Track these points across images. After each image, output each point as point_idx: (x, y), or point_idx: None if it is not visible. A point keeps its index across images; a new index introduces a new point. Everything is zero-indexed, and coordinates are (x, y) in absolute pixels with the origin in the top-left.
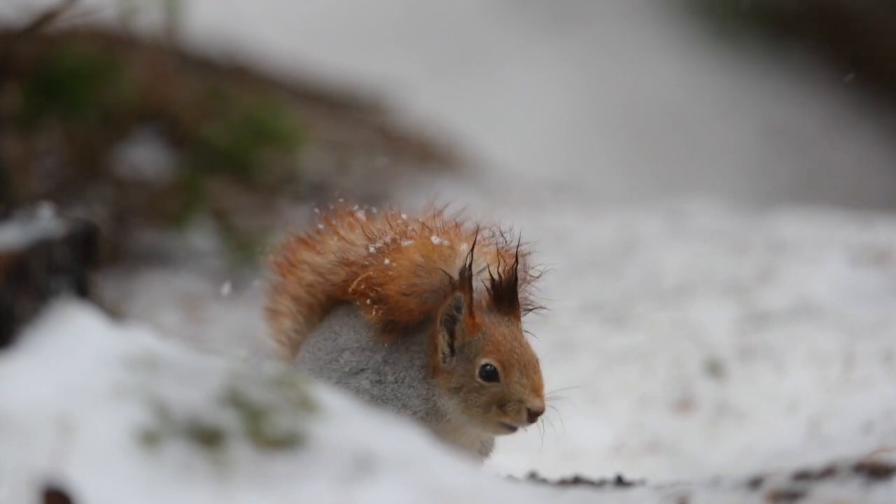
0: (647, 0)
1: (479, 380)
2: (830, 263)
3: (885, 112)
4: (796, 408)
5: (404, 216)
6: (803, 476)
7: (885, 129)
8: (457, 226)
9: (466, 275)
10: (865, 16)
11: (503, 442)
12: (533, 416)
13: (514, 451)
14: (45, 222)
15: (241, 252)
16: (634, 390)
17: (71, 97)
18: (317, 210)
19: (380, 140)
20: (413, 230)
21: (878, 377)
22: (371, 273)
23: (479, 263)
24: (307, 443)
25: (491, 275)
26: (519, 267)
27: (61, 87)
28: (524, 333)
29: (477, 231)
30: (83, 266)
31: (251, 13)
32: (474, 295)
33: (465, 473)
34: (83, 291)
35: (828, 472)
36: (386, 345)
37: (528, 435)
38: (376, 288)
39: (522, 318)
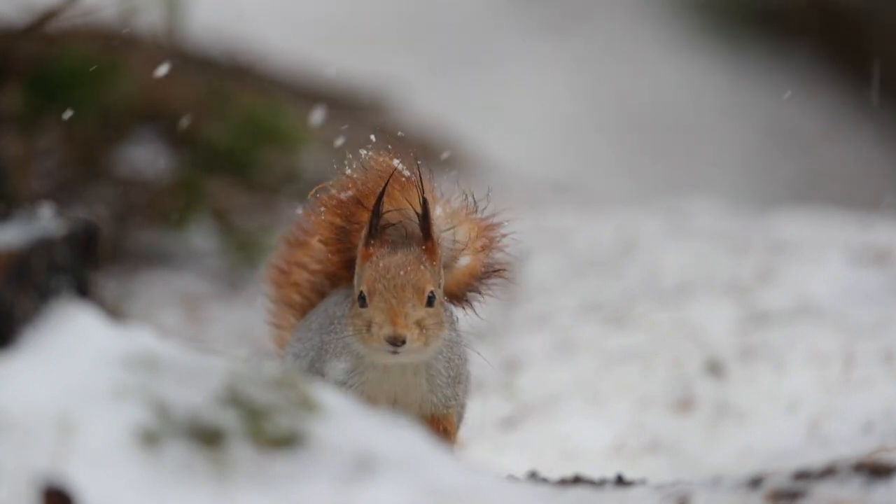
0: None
1: (358, 305)
2: (831, 263)
3: (885, 112)
4: (796, 408)
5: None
6: (803, 476)
7: (885, 129)
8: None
9: (376, 201)
10: (865, 16)
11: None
12: (391, 339)
13: (514, 450)
14: (46, 222)
15: (242, 252)
16: (634, 390)
17: (71, 97)
18: (300, 210)
19: (380, 139)
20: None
21: (878, 377)
22: (335, 189)
23: (442, 216)
24: (307, 443)
25: (413, 207)
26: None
27: (61, 87)
28: (425, 263)
29: (393, 170)
30: (83, 266)
31: (251, 13)
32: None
33: (465, 473)
34: (83, 291)
35: (828, 472)
36: (348, 295)
37: (528, 434)
38: (339, 193)
39: (460, 263)
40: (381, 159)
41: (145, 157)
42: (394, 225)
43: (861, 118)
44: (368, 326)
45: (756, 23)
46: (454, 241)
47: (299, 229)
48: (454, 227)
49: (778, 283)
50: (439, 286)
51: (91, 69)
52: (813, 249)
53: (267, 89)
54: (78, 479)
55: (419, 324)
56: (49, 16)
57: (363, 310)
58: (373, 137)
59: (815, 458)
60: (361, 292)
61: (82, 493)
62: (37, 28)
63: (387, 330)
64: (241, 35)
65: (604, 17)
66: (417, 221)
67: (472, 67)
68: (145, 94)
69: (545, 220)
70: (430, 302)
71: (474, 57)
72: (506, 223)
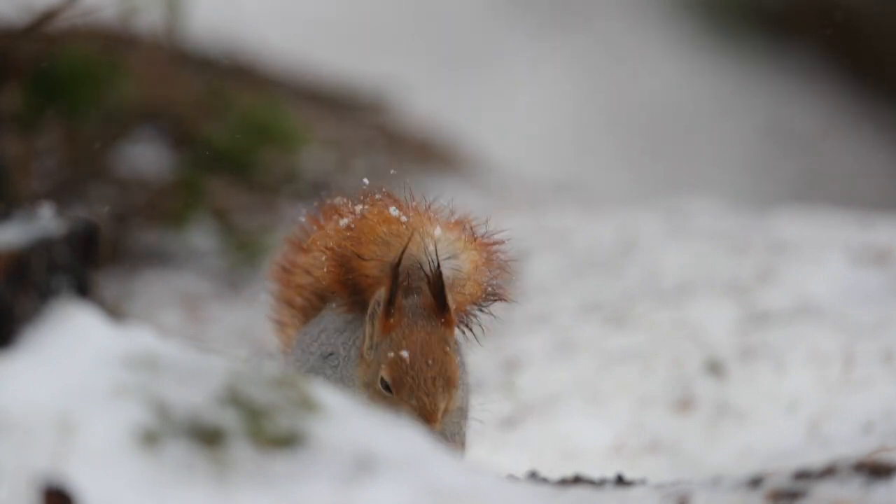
0: None
1: (380, 386)
2: (831, 263)
3: (885, 112)
4: (796, 408)
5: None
6: (803, 476)
7: (885, 129)
8: (429, 209)
9: (392, 270)
10: (866, 16)
11: (504, 441)
12: None
13: (514, 450)
14: (46, 222)
15: (242, 252)
16: (634, 390)
17: (71, 97)
18: (305, 212)
19: (380, 139)
20: (379, 198)
21: (878, 377)
22: (333, 235)
23: (448, 254)
24: (307, 442)
25: (425, 273)
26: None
27: (61, 87)
28: (449, 342)
29: (414, 226)
30: (83, 265)
31: (252, 13)
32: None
33: (465, 473)
34: (83, 291)
35: (828, 472)
36: (350, 323)
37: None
38: (336, 247)
39: (470, 322)
40: (380, 206)
41: (145, 157)
42: (406, 280)
43: (861, 118)
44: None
45: (756, 23)
46: (457, 270)
47: (303, 233)
48: (456, 252)
49: (778, 283)
50: (459, 357)
51: (91, 69)
52: (813, 249)
53: (267, 89)
54: (78, 478)
55: (445, 409)
56: (49, 16)
57: (387, 394)
58: (365, 181)
59: (815, 458)
60: (384, 379)
61: (82, 493)
62: (37, 28)
63: None
64: (241, 35)
65: (604, 16)
66: (429, 285)
67: (473, 67)
68: (145, 94)
69: (545, 220)
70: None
71: (474, 57)
72: (506, 241)
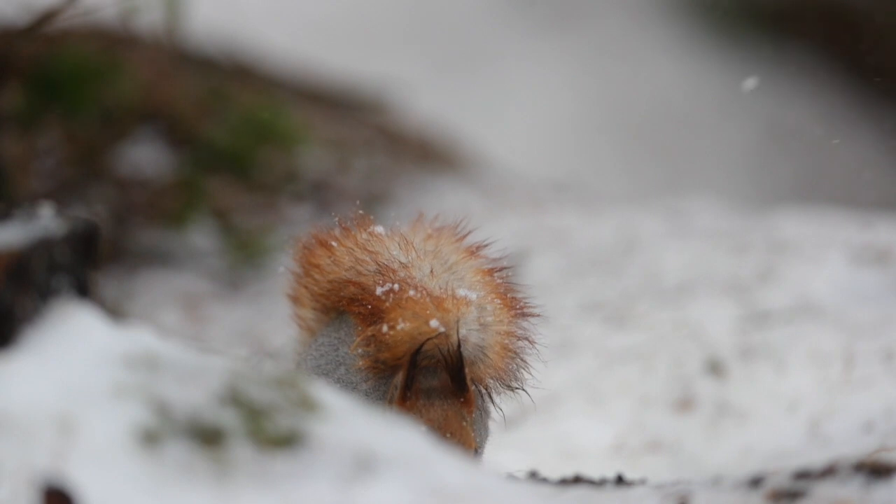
0: None
1: None
2: (831, 263)
3: (885, 112)
4: (797, 407)
5: (419, 242)
6: (804, 475)
7: (885, 129)
8: (467, 299)
9: (411, 357)
10: (866, 16)
11: (504, 441)
12: None
13: (514, 450)
14: (46, 221)
15: (242, 252)
16: (635, 390)
17: (71, 97)
18: (337, 218)
19: (380, 139)
20: (419, 294)
21: (879, 377)
22: (370, 332)
23: (471, 314)
24: (308, 442)
25: (441, 353)
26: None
27: (61, 87)
28: (466, 418)
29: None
30: (84, 265)
31: (252, 12)
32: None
33: (465, 472)
34: (84, 291)
35: (828, 472)
36: (370, 380)
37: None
38: (371, 348)
39: (489, 397)
40: (424, 292)
41: (145, 157)
42: (425, 363)
43: (861, 118)
44: None
45: (756, 23)
46: (481, 346)
47: (329, 234)
48: (481, 307)
49: (778, 283)
50: (479, 424)
51: (91, 69)
52: (813, 249)
53: (267, 89)
54: (78, 478)
55: None
56: (49, 16)
57: None
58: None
59: (816, 457)
60: None
61: (82, 493)
62: (37, 28)
63: None
64: (241, 35)
65: (604, 16)
66: (447, 368)
67: (473, 67)
68: (145, 94)
69: (545, 220)
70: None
71: (474, 57)
72: (528, 293)
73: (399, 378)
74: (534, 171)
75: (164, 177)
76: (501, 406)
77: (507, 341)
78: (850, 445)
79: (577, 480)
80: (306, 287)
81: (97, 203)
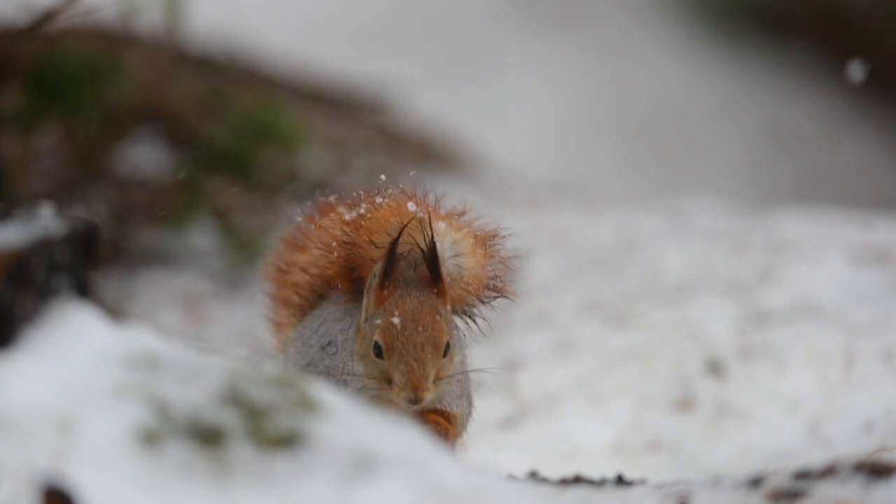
0: None
1: (373, 354)
2: (831, 263)
3: (885, 112)
4: (797, 407)
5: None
6: (804, 475)
7: (885, 129)
8: (436, 203)
9: (390, 244)
10: (866, 16)
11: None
12: (412, 401)
13: (514, 450)
14: (46, 221)
15: (242, 252)
16: (635, 390)
17: (71, 97)
18: (300, 211)
19: (380, 139)
20: (392, 192)
21: (879, 377)
22: (338, 228)
23: (452, 252)
24: (308, 442)
25: (420, 247)
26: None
27: (61, 87)
28: (440, 311)
29: (415, 207)
30: (84, 265)
31: (252, 12)
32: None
33: (465, 473)
34: (84, 291)
35: (828, 472)
36: (348, 312)
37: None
38: (349, 231)
39: (469, 300)
40: (389, 196)
41: (145, 157)
42: (404, 256)
43: (861, 118)
44: (388, 381)
45: (756, 23)
46: (456, 257)
47: (299, 233)
48: (455, 241)
49: (778, 283)
50: (453, 328)
51: (91, 69)
52: (813, 249)
53: (267, 89)
54: (78, 478)
55: (436, 376)
56: (49, 16)
57: (379, 360)
58: (383, 176)
59: (816, 457)
60: (377, 343)
61: (82, 493)
62: (37, 28)
63: (408, 394)
64: (241, 35)
65: (604, 16)
66: (424, 258)
67: (473, 67)
68: (145, 94)
69: (545, 220)
70: (446, 351)
71: (474, 57)
72: (505, 230)
73: (378, 267)
74: (534, 171)
75: (164, 177)
76: (487, 318)
77: (482, 248)
78: (850, 445)
79: (577, 480)
80: (285, 300)
81: (97, 203)
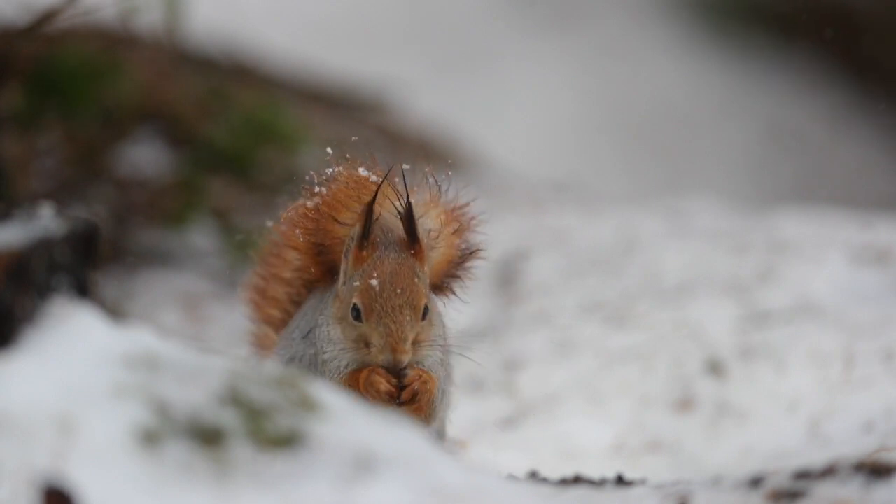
0: None
1: (351, 317)
2: (831, 263)
3: (885, 112)
4: (797, 407)
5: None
6: (804, 475)
7: (885, 129)
8: (390, 169)
9: (366, 206)
10: (866, 16)
11: (504, 441)
12: (390, 364)
13: (514, 450)
14: (46, 221)
15: (242, 252)
16: (635, 390)
17: (71, 97)
18: (270, 223)
19: (380, 139)
20: (343, 168)
21: (879, 377)
22: (305, 203)
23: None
24: (308, 442)
25: (397, 209)
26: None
27: (61, 87)
28: (418, 274)
29: (389, 169)
30: (84, 265)
31: (252, 12)
32: (382, 230)
33: (465, 473)
34: (84, 291)
35: (828, 472)
36: (325, 294)
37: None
38: (310, 214)
39: (442, 259)
40: (348, 169)
41: (145, 157)
42: (377, 220)
43: (861, 118)
44: (366, 343)
45: (756, 23)
46: (427, 231)
47: (272, 243)
48: (424, 214)
49: (778, 283)
50: (429, 290)
51: (91, 69)
52: (813, 249)
53: (267, 89)
54: (78, 478)
55: (415, 339)
56: (49, 16)
57: (357, 323)
58: (329, 149)
59: (816, 457)
60: (356, 305)
61: (82, 493)
62: (37, 28)
63: (387, 356)
64: (241, 35)
65: (604, 16)
66: (400, 222)
67: (473, 67)
68: (145, 94)
69: (545, 220)
70: (424, 314)
71: (474, 57)
72: (472, 202)
73: (356, 230)
74: (534, 171)
75: (163, 177)
76: (462, 288)
77: (447, 217)
78: (850, 445)
79: (577, 480)
80: (267, 315)
81: (97, 203)
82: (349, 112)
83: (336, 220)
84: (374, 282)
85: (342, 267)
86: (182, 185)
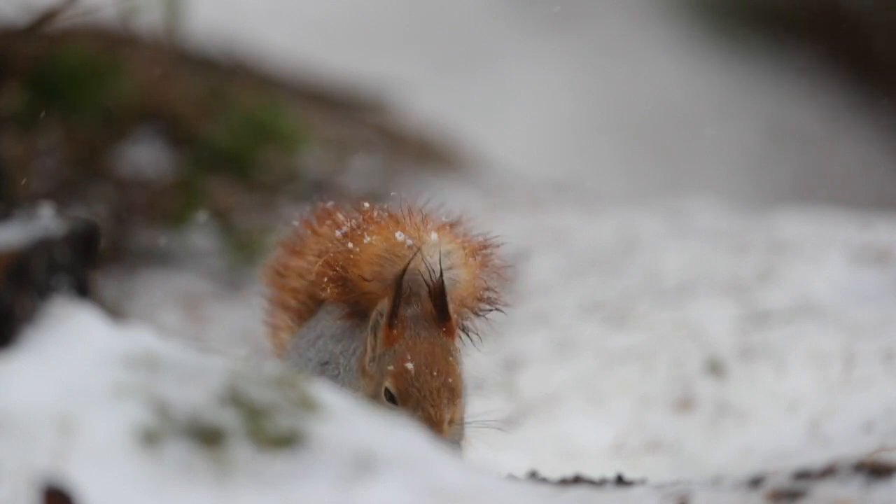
0: None
1: (384, 399)
2: (831, 263)
3: (885, 112)
4: (797, 407)
5: (375, 206)
6: (804, 475)
7: (885, 129)
8: (426, 219)
9: (396, 282)
10: (866, 16)
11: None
12: None
13: (514, 450)
14: (46, 221)
15: (242, 252)
16: (635, 390)
17: (71, 97)
18: (298, 215)
19: (380, 139)
20: (380, 218)
21: (879, 377)
22: (332, 254)
23: (445, 264)
24: (308, 442)
25: (426, 283)
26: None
27: (61, 87)
28: (452, 352)
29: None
30: (84, 265)
31: (252, 12)
32: (415, 303)
33: (465, 472)
34: (84, 291)
35: (828, 472)
36: (347, 332)
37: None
38: (337, 268)
39: (470, 329)
40: (377, 222)
41: (145, 157)
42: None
43: (861, 118)
44: None
45: (756, 23)
46: (454, 280)
47: (297, 237)
48: (453, 262)
49: (778, 283)
50: (462, 364)
51: (91, 69)
52: (813, 249)
53: (267, 89)
54: (78, 478)
55: (450, 419)
56: (49, 16)
57: (393, 405)
58: (366, 204)
59: (816, 457)
60: (388, 391)
61: (82, 493)
62: (37, 28)
63: None
64: (241, 35)
65: (604, 16)
66: (430, 294)
67: (473, 67)
68: (145, 94)
69: (545, 220)
70: (460, 394)
71: (474, 57)
72: (497, 239)
73: (385, 304)
74: (534, 171)
75: (164, 177)
76: (479, 329)
77: (474, 267)
78: (850, 445)
79: (577, 480)
80: (283, 305)
81: (97, 203)
82: (349, 112)
83: (363, 277)
84: (409, 365)
85: (368, 341)
86: (182, 185)
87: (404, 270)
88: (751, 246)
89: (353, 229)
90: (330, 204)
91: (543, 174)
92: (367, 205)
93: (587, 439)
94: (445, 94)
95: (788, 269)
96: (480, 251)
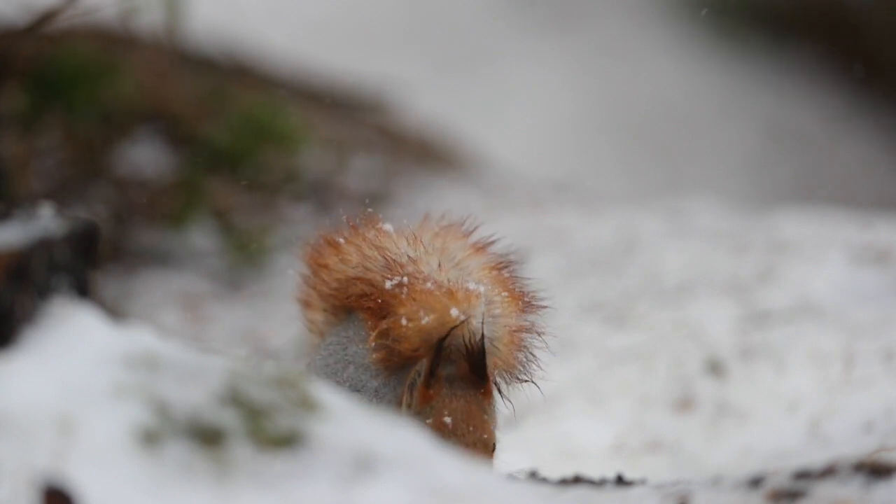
0: None
1: None
2: (831, 263)
3: (885, 112)
4: (797, 407)
5: (427, 239)
6: (804, 475)
7: (885, 129)
8: (477, 288)
9: (437, 344)
10: (866, 16)
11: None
12: None
13: (515, 450)
14: (46, 221)
15: (242, 252)
16: (635, 390)
17: (71, 97)
18: (345, 217)
19: (380, 139)
20: (433, 285)
21: (879, 377)
22: (384, 325)
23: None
24: (308, 442)
25: (465, 343)
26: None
27: (61, 87)
28: (487, 411)
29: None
30: (84, 265)
31: (252, 12)
32: (448, 365)
33: (466, 472)
34: (84, 291)
35: (828, 472)
36: (381, 373)
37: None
38: (388, 342)
39: (502, 390)
40: (430, 295)
41: (145, 157)
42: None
43: (861, 118)
44: None
45: (756, 23)
46: (493, 338)
47: (339, 235)
48: (495, 314)
49: (778, 283)
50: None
51: (91, 69)
52: (813, 249)
53: (267, 89)
54: (78, 478)
55: None
56: (49, 16)
57: None
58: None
59: (816, 457)
60: None
61: (82, 493)
62: (37, 28)
63: None
64: (241, 35)
65: (604, 16)
66: (469, 356)
67: (473, 67)
68: (145, 94)
69: (545, 220)
70: (493, 450)
71: (474, 57)
72: (540, 293)
73: (423, 365)
74: (534, 171)
75: (163, 177)
76: (509, 399)
77: (515, 333)
78: (850, 445)
79: (577, 480)
80: (315, 288)
81: (97, 203)
82: (349, 112)
83: (414, 350)
84: (447, 419)
85: (405, 396)
86: (182, 185)
87: (446, 335)
88: (751, 246)
89: (402, 284)
90: (382, 223)
91: (543, 174)
92: (418, 238)
93: (587, 439)
94: (445, 94)
95: (788, 269)
96: (524, 300)
